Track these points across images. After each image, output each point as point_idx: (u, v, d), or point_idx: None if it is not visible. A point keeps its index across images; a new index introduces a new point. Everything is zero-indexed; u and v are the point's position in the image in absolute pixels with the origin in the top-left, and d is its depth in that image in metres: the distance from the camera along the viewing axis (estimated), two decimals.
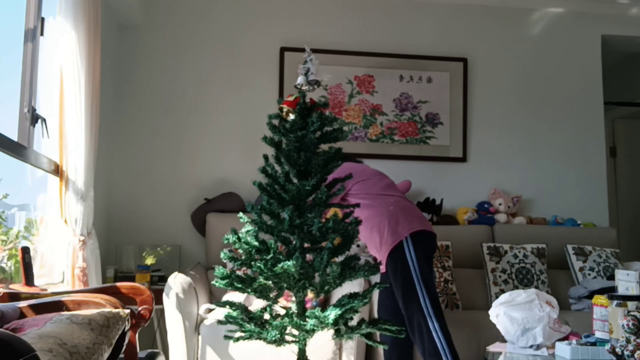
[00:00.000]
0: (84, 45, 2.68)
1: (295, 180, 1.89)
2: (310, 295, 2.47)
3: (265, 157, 1.92)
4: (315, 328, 1.79)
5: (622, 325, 1.82)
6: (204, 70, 3.98)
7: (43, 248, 2.71)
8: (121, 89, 3.86)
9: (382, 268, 2.52)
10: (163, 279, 3.37)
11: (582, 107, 4.32)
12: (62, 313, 1.56)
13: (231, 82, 3.99)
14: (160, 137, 3.89)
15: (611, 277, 3.40)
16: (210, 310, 2.96)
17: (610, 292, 2.21)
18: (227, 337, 1.89)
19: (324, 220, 1.83)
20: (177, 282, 2.78)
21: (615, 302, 2.04)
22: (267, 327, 1.83)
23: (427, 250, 2.51)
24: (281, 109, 1.96)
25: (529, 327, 2.25)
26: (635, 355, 1.74)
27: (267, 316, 1.86)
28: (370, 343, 1.96)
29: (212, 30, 4.02)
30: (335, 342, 2.76)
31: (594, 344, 2.07)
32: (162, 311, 3.18)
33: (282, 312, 1.86)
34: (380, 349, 2.69)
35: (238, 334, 1.86)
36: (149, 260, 3.64)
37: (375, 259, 2.61)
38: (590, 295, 3.23)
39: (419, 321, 2.37)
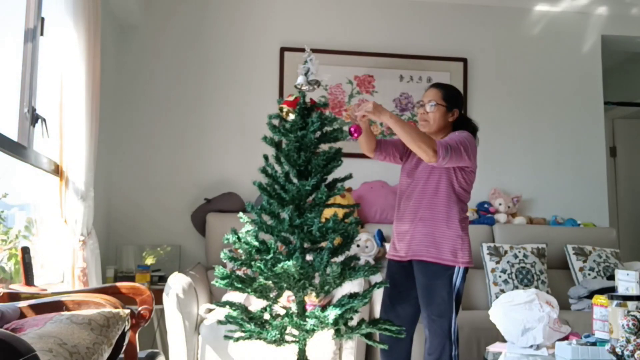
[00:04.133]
0: (84, 45, 2.68)
1: (295, 180, 1.89)
2: (314, 300, 2.46)
3: (265, 157, 1.92)
4: (315, 328, 1.79)
5: (622, 325, 1.82)
6: (204, 70, 3.98)
7: (43, 248, 2.71)
8: (121, 89, 3.86)
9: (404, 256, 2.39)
10: (163, 279, 3.37)
11: (582, 107, 4.32)
12: (62, 313, 1.56)
13: (231, 82, 3.99)
14: (160, 137, 3.89)
15: (611, 277, 3.40)
16: (210, 310, 2.96)
17: (610, 292, 2.21)
18: (227, 337, 1.89)
19: (324, 220, 1.83)
20: (177, 282, 2.78)
21: (615, 302, 2.04)
22: (267, 327, 1.83)
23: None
24: (281, 109, 1.96)
25: (529, 327, 2.25)
26: (635, 355, 1.74)
27: (267, 316, 1.86)
28: (370, 343, 1.96)
29: (212, 31, 4.02)
30: (335, 342, 2.76)
31: (594, 344, 2.07)
32: (162, 311, 3.18)
33: (282, 312, 1.86)
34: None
35: (238, 334, 1.86)
36: (149, 260, 3.64)
37: (374, 259, 2.56)
38: (590, 295, 3.23)
39: (444, 346, 2.30)
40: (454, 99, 2.44)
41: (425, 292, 2.33)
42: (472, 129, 2.45)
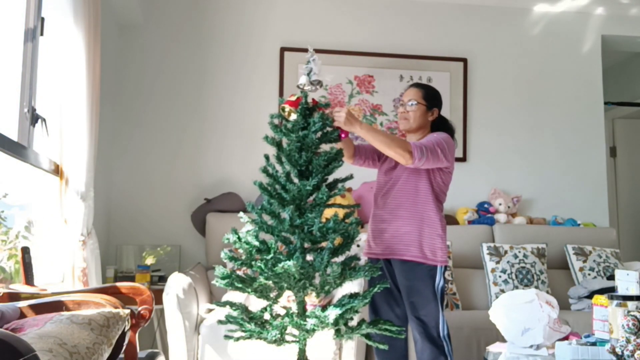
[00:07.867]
0: (84, 45, 2.67)
1: (296, 180, 1.89)
2: (315, 300, 2.45)
3: (266, 157, 1.93)
4: (315, 328, 1.79)
5: (622, 325, 1.82)
6: (204, 70, 3.98)
7: (43, 248, 2.71)
8: (121, 89, 3.86)
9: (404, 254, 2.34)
10: (163, 279, 3.37)
11: (582, 107, 4.33)
12: (62, 313, 1.56)
13: (231, 82, 3.99)
14: (160, 137, 3.88)
15: (611, 277, 3.40)
16: (210, 310, 2.96)
17: (610, 292, 2.21)
18: (227, 337, 1.89)
19: (324, 220, 1.83)
20: (177, 282, 2.78)
21: (615, 302, 2.04)
22: (267, 327, 1.83)
23: None
24: (283, 109, 1.96)
25: (529, 327, 2.25)
26: (635, 355, 1.74)
27: (267, 316, 1.86)
28: (370, 343, 1.96)
29: (212, 31, 4.01)
30: (335, 342, 2.76)
31: (594, 344, 2.07)
32: (162, 311, 3.18)
33: (282, 312, 1.86)
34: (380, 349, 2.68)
35: (238, 334, 1.86)
36: (149, 260, 3.64)
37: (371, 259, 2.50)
38: (590, 295, 3.23)
39: (437, 346, 2.29)
40: (434, 99, 2.46)
41: (410, 294, 2.33)
42: (450, 130, 2.47)
